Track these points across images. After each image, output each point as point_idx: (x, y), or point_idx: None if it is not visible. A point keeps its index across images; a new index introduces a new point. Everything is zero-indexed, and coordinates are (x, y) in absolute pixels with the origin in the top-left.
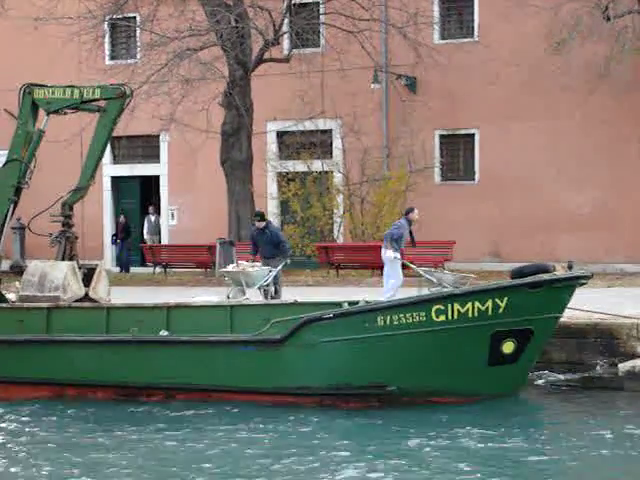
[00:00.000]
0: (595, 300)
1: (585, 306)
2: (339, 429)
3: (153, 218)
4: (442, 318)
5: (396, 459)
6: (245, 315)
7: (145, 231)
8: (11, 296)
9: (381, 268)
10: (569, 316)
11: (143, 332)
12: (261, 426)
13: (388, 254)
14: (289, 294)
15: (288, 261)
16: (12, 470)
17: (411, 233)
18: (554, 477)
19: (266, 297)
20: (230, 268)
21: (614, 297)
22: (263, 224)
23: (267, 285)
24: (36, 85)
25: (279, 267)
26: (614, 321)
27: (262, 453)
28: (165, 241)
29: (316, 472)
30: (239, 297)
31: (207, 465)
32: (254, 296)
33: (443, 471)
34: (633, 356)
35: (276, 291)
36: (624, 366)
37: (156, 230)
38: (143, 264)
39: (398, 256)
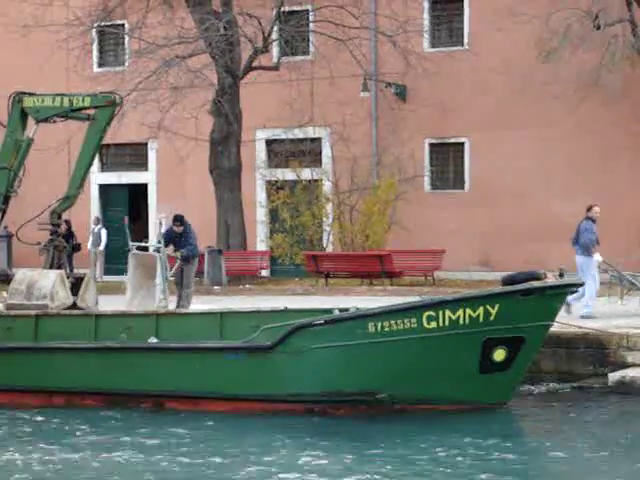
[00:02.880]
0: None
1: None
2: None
3: (96, 229)
4: (433, 325)
5: (380, 468)
6: (235, 322)
7: (89, 243)
8: None
9: (370, 277)
10: (559, 325)
11: (132, 339)
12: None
13: (596, 257)
14: (278, 303)
15: (180, 254)
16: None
17: None
18: None
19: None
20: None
21: (604, 306)
22: (181, 229)
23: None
24: (26, 93)
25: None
26: (604, 331)
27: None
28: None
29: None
30: (147, 303)
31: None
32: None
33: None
34: (623, 366)
35: (179, 296)
36: (614, 376)
37: (98, 242)
38: None
39: (600, 258)
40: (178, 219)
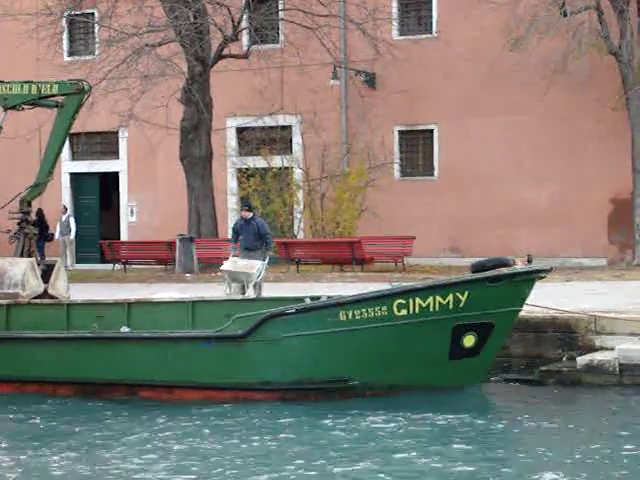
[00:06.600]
0: (553, 294)
1: (544, 301)
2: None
3: (64, 218)
4: (404, 312)
5: (345, 450)
6: (207, 311)
7: (57, 232)
8: None
9: (341, 263)
10: (527, 310)
11: (104, 328)
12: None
13: None
14: (249, 290)
15: (271, 253)
16: None
17: None
18: (505, 469)
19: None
20: (226, 266)
21: (572, 291)
22: (250, 215)
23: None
24: None
25: (266, 261)
26: (572, 315)
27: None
28: (125, 237)
29: (273, 466)
30: (239, 295)
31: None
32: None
33: (392, 463)
34: (591, 350)
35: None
36: (582, 360)
37: (66, 230)
38: (103, 261)
39: None
40: (247, 205)
